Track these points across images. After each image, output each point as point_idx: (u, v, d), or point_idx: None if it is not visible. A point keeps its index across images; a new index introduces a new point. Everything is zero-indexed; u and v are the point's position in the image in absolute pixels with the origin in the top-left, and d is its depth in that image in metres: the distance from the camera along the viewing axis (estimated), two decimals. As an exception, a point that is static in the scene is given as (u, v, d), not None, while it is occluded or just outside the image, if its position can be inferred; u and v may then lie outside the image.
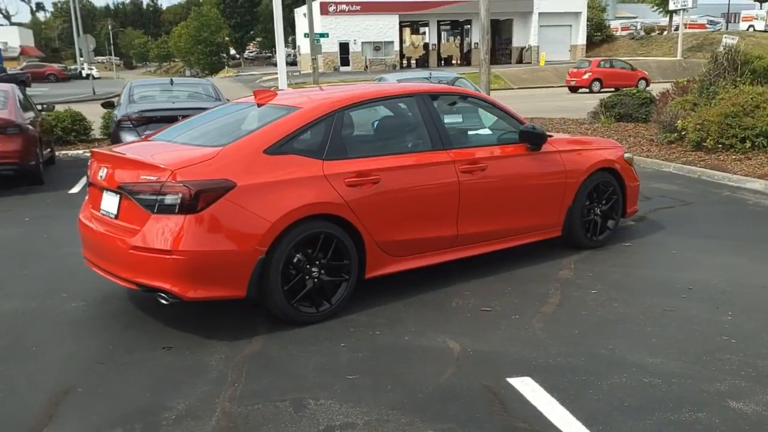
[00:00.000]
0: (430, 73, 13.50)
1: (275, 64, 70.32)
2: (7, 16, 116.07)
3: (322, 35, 41.14)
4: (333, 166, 4.79)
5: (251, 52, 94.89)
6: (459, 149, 5.44)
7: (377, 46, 51.78)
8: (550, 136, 6.44)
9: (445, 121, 5.58)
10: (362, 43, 51.30)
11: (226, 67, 74.84)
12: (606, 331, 4.53)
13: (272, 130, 4.77)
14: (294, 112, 4.95)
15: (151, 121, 10.07)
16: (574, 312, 4.87)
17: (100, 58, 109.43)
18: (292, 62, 66.32)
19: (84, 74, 58.98)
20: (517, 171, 5.76)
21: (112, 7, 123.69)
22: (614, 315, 4.80)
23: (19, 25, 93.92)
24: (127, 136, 9.99)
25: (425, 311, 4.94)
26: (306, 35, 36.39)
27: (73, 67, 66.57)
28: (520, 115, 6.07)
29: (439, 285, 5.42)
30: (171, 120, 8.87)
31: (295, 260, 4.63)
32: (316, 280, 4.73)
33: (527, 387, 3.76)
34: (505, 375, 3.90)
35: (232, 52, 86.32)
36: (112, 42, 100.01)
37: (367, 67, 50.36)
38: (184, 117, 7.49)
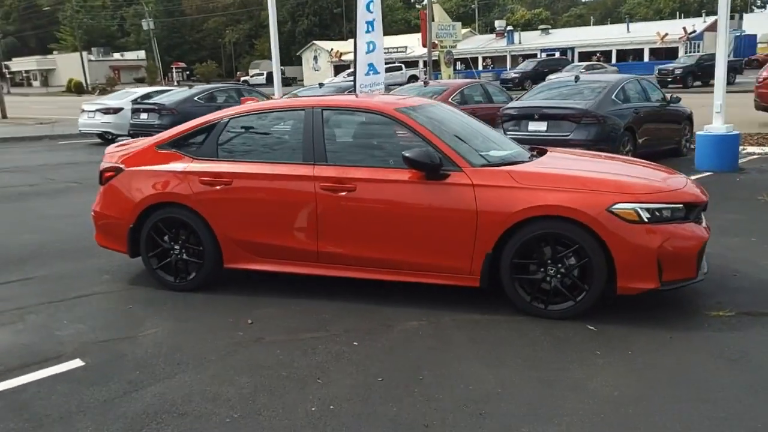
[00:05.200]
0: None
1: None
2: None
3: None
4: (197, 164, 5.68)
5: None
6: (329, 166, 5.30)
7: None
8: (534, 157, 5.31)
9: (340, 136, 5.49)
10: None
11: None
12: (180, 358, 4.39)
13: (171, 131, 6.00)
14: (199, 118, 5.98)
15: None
16: (246, 356, 4.53)
17: None
18: None
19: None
20: (399, 199, 5.12)
21: None
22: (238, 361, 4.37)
23: None
24: None
25: (207, 302, 5.50)
26: None
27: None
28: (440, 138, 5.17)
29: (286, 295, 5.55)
30: None
31: (166, 237, 5.82)
32: (178, 256, 5.80)
33: (60, 368, 4.37)
34: (78, 356, 4.53)
35: None
36: None
37: None
38: None
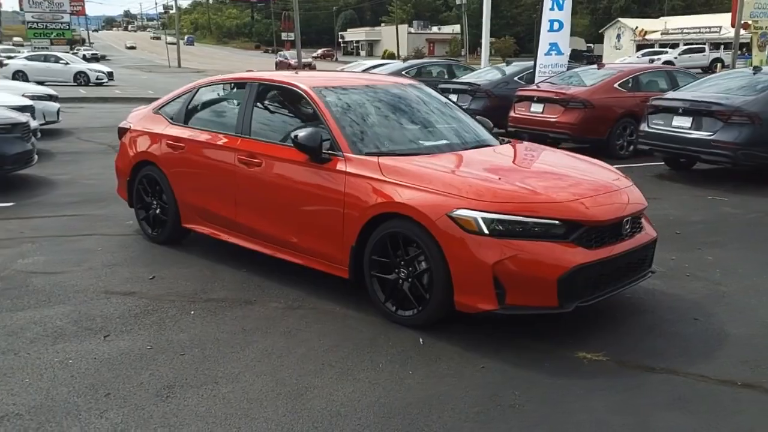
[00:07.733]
0: None
1: None
2: None
3: None
4: (171, 128, 6.15)
5: None
6: (249, 139, 5.39)
7: None
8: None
9: (266, 111, 5.58)
10: None
11: None
12: None
13: (164, 97, 6.51)
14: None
15: None
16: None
17: None
18: None
19: None
20: (291, 178, 5.04)
21: None
22: None
23: None
24: None
25: (161, 254, 5.86)
26: None
27: None
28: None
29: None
30: None
31: (150, 192, 6.43)
32: (155, 211, 6.37)
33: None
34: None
35: None
36: None
37: None
38: None
